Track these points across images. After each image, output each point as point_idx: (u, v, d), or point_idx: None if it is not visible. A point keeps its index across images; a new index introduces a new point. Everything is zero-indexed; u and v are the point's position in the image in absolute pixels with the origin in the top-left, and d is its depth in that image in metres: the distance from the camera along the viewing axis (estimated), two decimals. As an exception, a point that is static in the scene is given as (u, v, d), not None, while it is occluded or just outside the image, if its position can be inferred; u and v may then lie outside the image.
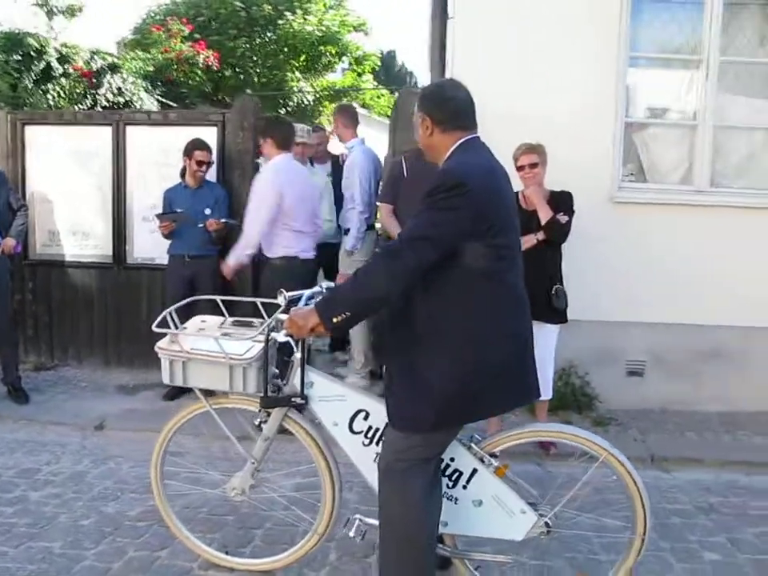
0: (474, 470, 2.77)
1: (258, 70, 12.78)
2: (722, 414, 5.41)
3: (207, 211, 5.50)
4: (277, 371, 2.83)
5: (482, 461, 2.78)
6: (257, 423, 2.90)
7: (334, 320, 2.41)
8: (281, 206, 4.61)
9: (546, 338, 4.43)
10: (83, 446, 4.68)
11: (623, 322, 5.46)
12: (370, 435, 2.83)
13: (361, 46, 15.00)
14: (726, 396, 5.46)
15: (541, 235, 4.46)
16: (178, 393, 5.53)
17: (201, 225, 5.39)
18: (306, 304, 2.88)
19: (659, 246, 5.38)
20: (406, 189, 5.12)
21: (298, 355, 2.79)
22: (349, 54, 14.54)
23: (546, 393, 4.50)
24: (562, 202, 4.54)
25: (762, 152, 5.53)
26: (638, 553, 2.83)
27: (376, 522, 2.91)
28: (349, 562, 3.23)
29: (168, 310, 2.81)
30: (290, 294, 2.87)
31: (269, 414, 2.87)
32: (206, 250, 5.50)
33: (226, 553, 3.17)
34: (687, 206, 5.41)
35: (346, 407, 2.83)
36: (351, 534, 2.86)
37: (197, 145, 5.43)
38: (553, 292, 4.47)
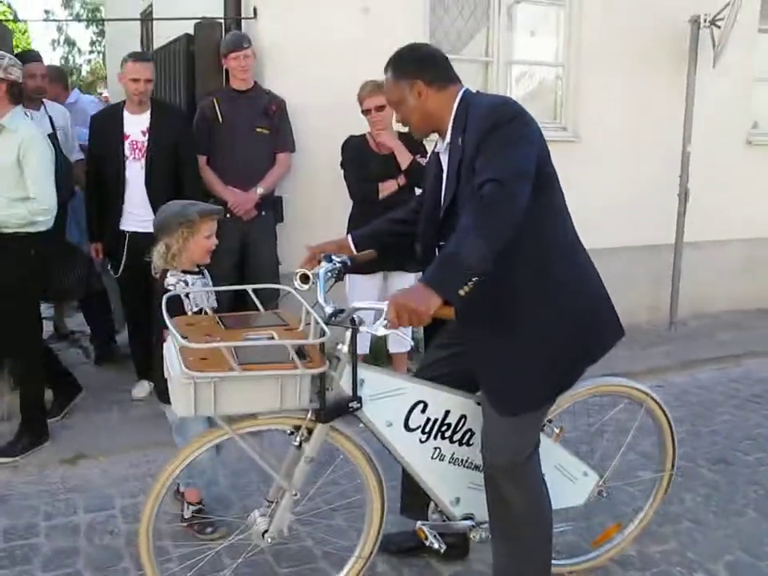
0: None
1: None
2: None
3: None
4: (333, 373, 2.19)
5: (542, 429, 2.53)
6: (296, 443, 2.24)
7: (461, 292, 1.95)
8: None
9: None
10: None
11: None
12: (428, 429, 2.37)
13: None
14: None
15: (402, 180, 4.19)
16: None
17: None
18: (325, 282, 2.30)
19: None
20: (222, 134, 4.46)
21: (344, 349, 2.20)
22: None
23: (406, 344, 4.30)
24: (413, 143, 4.25)
25: (546, 88, 5.89)
26: (665, 489, 2.87)
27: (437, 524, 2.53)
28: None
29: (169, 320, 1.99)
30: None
31: (309, 431, 2.24)
32: None
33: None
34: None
35: (402, 402, 2.32)
36: (435, 545, 2.43)
37: None
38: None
